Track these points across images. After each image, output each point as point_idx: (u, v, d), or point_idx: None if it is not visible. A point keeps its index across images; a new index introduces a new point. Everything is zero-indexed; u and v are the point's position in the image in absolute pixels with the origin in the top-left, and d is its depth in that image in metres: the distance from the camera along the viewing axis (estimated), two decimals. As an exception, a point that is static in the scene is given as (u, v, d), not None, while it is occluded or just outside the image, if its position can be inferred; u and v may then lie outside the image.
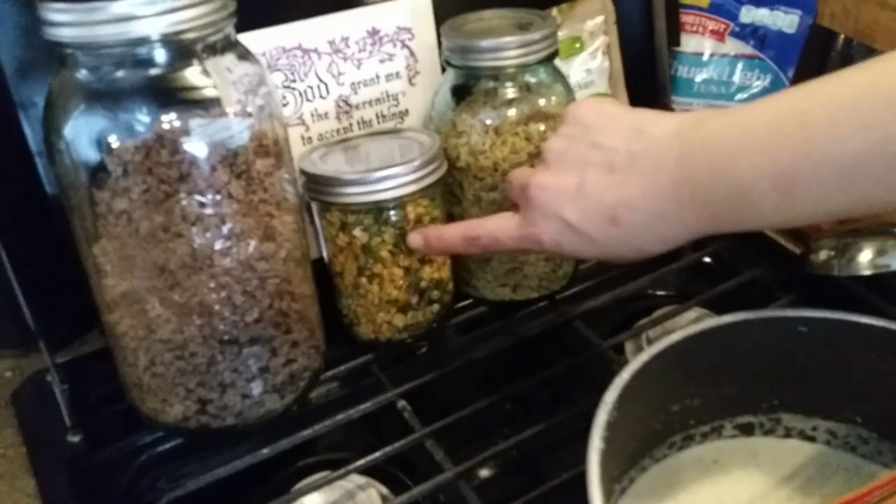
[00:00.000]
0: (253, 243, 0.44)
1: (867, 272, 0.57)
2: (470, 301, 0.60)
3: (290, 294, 0.47)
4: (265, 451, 0.49)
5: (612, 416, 0.37)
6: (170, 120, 0.40)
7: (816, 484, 0.44)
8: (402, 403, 0.53)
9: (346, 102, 0.57)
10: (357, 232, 0.51)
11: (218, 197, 0.42)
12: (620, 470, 0.42)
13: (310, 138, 0.57)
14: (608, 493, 0.38)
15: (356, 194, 0.50)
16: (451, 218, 0.57)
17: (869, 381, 0.42)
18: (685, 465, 0.45)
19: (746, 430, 0.46)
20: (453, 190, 0.56)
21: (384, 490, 0.51)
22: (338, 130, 0.58)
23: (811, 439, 0.45)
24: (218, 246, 0.43)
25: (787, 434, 0.46)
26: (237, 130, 0.42)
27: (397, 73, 0.59)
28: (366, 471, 0.50)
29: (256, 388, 0.47)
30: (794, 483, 0.44)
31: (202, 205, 0.42)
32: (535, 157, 0.53)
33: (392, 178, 0.50)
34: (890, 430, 0.43)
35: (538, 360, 0.55)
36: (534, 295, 0.59)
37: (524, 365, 0.55)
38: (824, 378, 0.43)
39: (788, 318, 0.41)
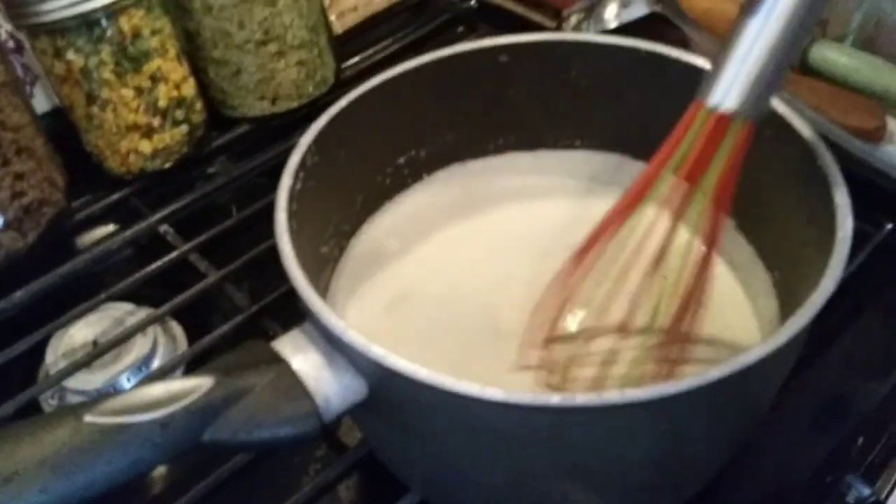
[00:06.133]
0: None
1: (614, 25, 0.58)
2: (234, 122, 0.58)
3: (1, 123, 0.45)
4: (19, 293, 0.48)
5: (312, 160, 0.37)
6: None
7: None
8: (164, 228, 0.52)
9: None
10: (71, 55, 0.48)
11: None
12: (351, 224, 0.42)
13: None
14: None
15: (58, 9, 0.47)
16: (186, 33, 0.54)
17: (580, 100, 0.43)
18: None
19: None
20: (182, 3, 0.53)
21: (154, 309, 0.50)
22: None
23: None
24: None
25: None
26: None
27: None
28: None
29: (-13, 227, 0.45)
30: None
31: None
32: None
33: (92, -14, 0.47)
34: (616, 143, 0.44)
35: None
36: (294, 105, 0.58)
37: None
38: (540, 107, 0.44)
39: (487, 49, 0.41)
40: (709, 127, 0.29)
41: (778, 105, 0.34)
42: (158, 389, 0.26)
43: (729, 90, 0.29)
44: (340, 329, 0.28)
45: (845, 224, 0.28)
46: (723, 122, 0.29)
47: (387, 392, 0.28)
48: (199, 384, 0.27)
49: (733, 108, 0.29)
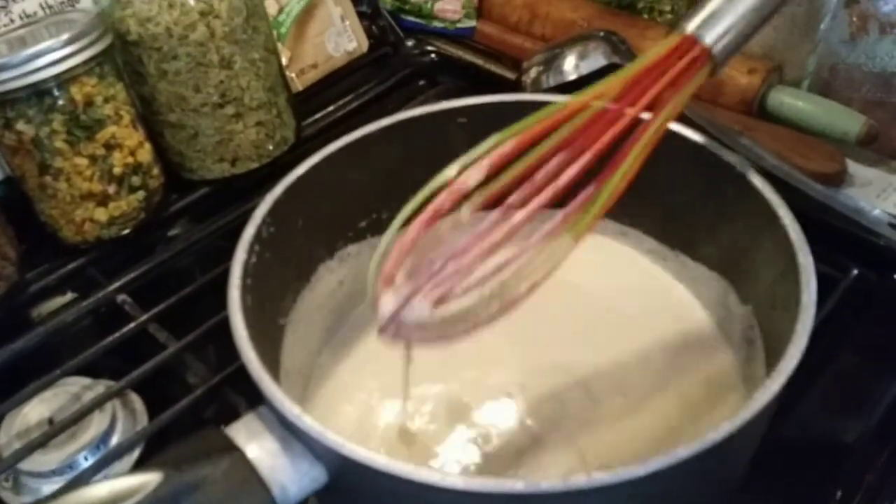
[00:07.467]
0: None
1: (573, 77, 0.58)
2: (193, 185, 0.57)
3: (-53, 199, 0.43)
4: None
5: (267, 231, 0.36)
6: None
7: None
8: (121, 297, 0.50)
9: (0, -4, 0.52)
10: (21, 126, 0.47)
11: None
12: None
13: (-36, 41, 0.52)
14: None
15: (7, 80, 0.46)
16: (142, 98, 0.53)
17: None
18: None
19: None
20: (136, 68, 0.52)
21: (111, 382, 0.48)
22: (-4, 28, 0.53)
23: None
24: None
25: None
26: None
27: (51, -44, 0.54)
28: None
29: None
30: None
31: None
32: (209, 16, 0.51)
33: (41, 55, 0.46)
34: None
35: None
36: (254, 165, 0.57)
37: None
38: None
39: (445, 112, 0.41)
40: (691, 56, 0.30)
41: (737, 162, 0.34)
42: (103, 489, 0.25)
43: (716, 26, 0.30)
44: (295, 415, 0.27)
45: (809, 287, 0.28)
46: (703, 56, 0.30)
47: (347, 478, 0.27)
48: (146, 481, 0.25)
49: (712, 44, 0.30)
